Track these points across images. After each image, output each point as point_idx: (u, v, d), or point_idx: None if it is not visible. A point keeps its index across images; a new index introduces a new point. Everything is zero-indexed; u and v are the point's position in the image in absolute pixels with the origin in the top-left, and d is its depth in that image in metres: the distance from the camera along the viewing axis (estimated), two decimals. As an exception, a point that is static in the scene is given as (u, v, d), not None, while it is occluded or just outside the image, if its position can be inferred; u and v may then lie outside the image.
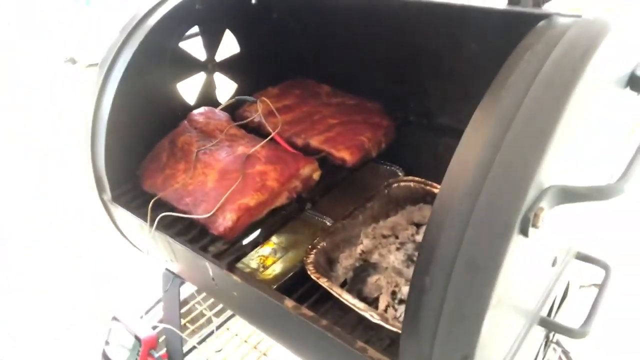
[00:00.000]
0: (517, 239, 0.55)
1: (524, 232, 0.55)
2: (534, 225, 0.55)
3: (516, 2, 0.81)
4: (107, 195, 1.07)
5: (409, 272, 1.01)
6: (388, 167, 1.35)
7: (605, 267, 0.91)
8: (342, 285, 1.04)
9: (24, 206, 2.63)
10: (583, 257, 0.92)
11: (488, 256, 0.55)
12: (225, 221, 0.93)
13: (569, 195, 0.58)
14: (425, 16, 1.10)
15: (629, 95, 0.80)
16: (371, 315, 0.87)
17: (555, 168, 0.59)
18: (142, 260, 1.26)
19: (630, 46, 0.74)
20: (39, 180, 2.83)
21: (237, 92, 1.39)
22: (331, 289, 0.93)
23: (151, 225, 0.96)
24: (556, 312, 1.00)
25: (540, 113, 0.57)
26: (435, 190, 1.19)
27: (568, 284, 1.01)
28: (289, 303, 0.82)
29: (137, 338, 1.24)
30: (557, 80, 0.59)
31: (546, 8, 0.78)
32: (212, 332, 1.51)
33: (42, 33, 4.92)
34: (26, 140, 3.28)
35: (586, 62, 0.60)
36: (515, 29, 0.77)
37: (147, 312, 1.55)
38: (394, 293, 0.98)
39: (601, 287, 0.85)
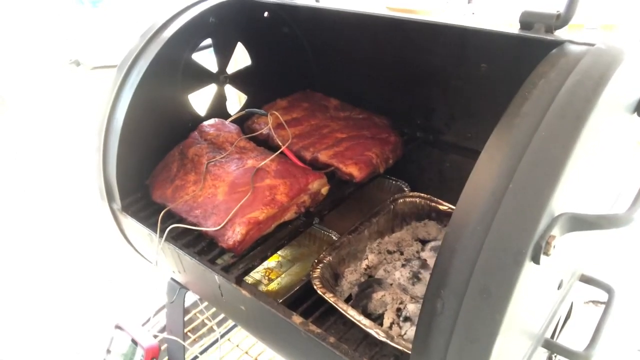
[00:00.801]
0: (528, 266, 0.56)
1: (536, 259, 0.56)
2: (545, 253, 0.56)
3: (529, 27, 0.82)
4: (117, 204, 1.08)
5: (414, 289, 1.02)
6: (394, 182, 1.36)
7: (608, 290, 0.91)
8: (347, 300, 1.04)
9: (27, 206, 2.63)
10: (587, 280, 0.93)
11: (500, 282, 0.56)
12: (234, 234, 0.94)
13: (579, 223, 0.59)
14: (435, 35, 1.12)
15: (635, 121, 0.82)
16: (377, 333, 0.88)
17: (566, 196, 0.60)
18: (146, 266, 1.27)
19: (638, 73, 0.76)
20: (39, 181, 2.84)
21: (247, 104, 1.41)
22: (337, 305, 0.94)
23: (161, 236, 0.97)
24: (559, 332, 1.01)
25: (553, 143, 0.58)
26: (441, 207, 1.21)
27: (572, 304, 1.02)
28: (297, 319, 0.83)
29: (140, 346, 1.24)
30: (570, 111, 0.60)
31: (558, 34, 0.79)
32: (214, 342, 1.51)
33: (47, 34, 4.94)
34: (32, 141, 3.29)
35: (599, 93, 0.61)
36: (527, 53, 0.78)
37: (149, 320, 1.55)
38: (398, 310, 0.98)
39: (605, 310, 0.86)
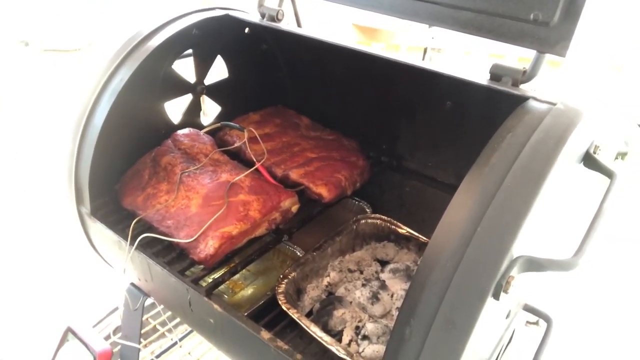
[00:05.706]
0: (489, 302, 0.63)
1: (496, 296, 0.63)
2: (505, 291, 0.63)
3: (497, 79, 0.90)
4: (86, 208, 1.07)
5: (373, 309, 1.08)
6: (356, 202, 1.43)
7: (547, 319, 1.01)
8: (308, 314, 1.09)
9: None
10: (530, 309, 1.02)
11: (464, 316, 0.62)
12: (206, 248, 0.96)
13: (533, 265, 0.66)
14: (407, 72, 1.18)
15: (581, 169, 0.91)
16: (337, 350, 0.93)
17: (525, 240, 0.67)
18: (101, 269, 1.25)
19: (587, 128, 0.85)
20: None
21: (220, 114, 1.43)
22: (300, 321, 0.99)
23: (132, 244, 0.97)
24: (502, 355, 1.10)
25: (517, 194, 0.66)
26: (400, 231, 1.28)
27: (514, 330, 1.11)
28: (265, 335, 0.86)
29: (91, 351, 1.23)
30: (533, 166, 0.68)
31: (523, 88, 0.88)
32: (168, 348, 1.51)
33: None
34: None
35: (558, 151, 0.70)
36: (493, 101, 0.86)
37: (100, 322, 1.53)
38: (357, 328, 1.04)
39: (542, 339, 0.95)
